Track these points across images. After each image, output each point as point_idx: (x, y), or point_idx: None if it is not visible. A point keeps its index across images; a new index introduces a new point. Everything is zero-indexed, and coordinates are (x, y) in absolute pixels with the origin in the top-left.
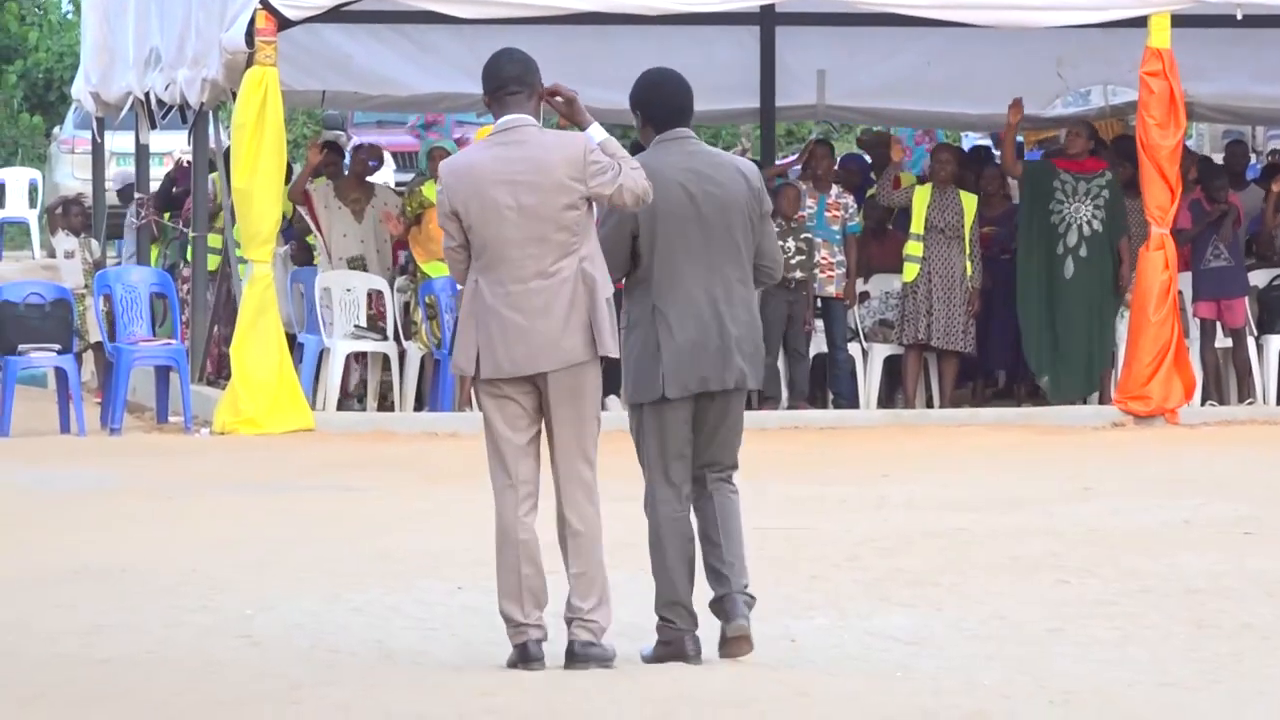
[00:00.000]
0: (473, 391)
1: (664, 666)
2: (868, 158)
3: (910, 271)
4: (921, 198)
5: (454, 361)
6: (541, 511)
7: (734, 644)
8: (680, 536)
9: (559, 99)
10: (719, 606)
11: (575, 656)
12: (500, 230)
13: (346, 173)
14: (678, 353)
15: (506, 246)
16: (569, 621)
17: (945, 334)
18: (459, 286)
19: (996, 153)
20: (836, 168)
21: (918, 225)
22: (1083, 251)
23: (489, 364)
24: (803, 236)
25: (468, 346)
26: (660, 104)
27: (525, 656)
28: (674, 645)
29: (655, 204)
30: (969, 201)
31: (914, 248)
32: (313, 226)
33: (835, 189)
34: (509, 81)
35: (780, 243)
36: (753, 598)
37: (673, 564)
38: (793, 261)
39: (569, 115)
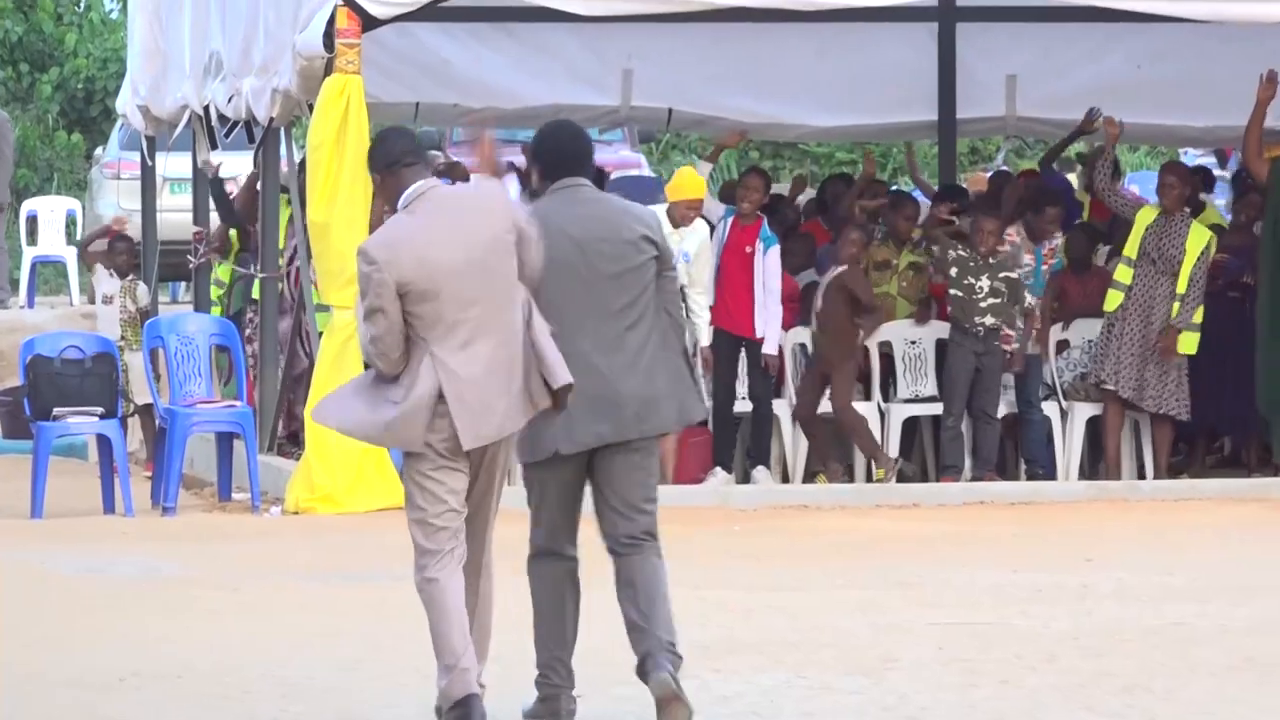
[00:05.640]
0: (410, 464)
1: None
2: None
3: (1113, 299)
4: (1144, 218)
5: (407, 438)
6: None
7: (665, 707)
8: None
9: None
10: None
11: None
12: (457, 289)
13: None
14: (569, 409)
15: (465, 307)
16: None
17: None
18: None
19: (1218, 173)
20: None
21: (1131, 248)
22: None
23: (469, 435)
24: (1001, 275)
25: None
26: (551, 152)
27: (470, 713)
28: (549, 702)
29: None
30: (1198, 236)
31: (1123, 274)
32: None
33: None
34: (403, 155)
35: (970, 280)
36: (679, 656)
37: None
38: (983, 304)
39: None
